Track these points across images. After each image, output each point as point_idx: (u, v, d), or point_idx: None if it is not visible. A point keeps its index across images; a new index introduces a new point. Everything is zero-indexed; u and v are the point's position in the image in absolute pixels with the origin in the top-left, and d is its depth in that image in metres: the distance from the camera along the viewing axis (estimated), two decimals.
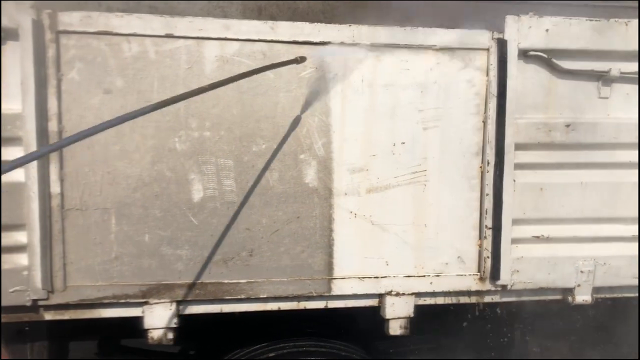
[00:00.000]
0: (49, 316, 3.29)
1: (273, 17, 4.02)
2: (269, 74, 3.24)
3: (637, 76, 3.55)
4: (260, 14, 4.06)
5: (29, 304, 3.17)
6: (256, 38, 3.24)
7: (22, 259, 3.13)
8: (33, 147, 3.03)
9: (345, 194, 3.42)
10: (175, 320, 3.33)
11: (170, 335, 3.34)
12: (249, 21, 3.24)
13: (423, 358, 4.31)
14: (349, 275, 3.49)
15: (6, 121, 3.02)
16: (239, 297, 3.38)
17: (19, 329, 4.12)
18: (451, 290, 3.61)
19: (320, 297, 3.51)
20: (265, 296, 3.41)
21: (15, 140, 3.04)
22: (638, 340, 3.83)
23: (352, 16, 4.21)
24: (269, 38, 3.25)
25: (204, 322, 3.52)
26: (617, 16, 3.54)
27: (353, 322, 4.03)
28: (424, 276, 3.56)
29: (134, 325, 3.37)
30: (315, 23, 3.30)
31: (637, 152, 3.59)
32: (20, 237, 3.11)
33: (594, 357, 4.55)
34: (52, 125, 3.10)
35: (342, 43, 3.31)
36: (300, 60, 3.16)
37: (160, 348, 3.69)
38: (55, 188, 3.12)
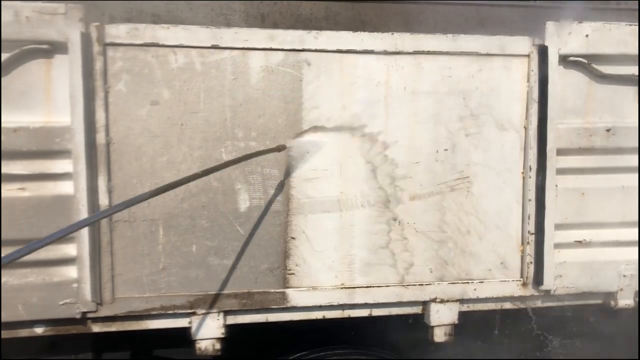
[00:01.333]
0: (96, 328, 3.24)
1: (276, 24, 4.00)
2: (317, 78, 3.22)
3: None
4: (263, 21, 4.04)
5: (78, 316, 3.11)
6: (300, 48, 3.21)
7: (71, 272, 3.08)
8: (82, 160, 2.99)
9: (389, 202, 3.38)
10: (222, 330, 3.28)
11: (218, 346, 3.29)
12: (293, 31, 3.20)
13: (424, 358, 4.18)
14: (393, 282, 3.44)
15: (55, 134, 2.98)
16: (285, 306, 3.33)
17: (52, 342, 4.08)
18: (494, 296, 3.55)
19: (365, 306, 3.46)
20: (311, 305, 3.37)
21: (64, 153, 3.00)
22: (638, 340, 3.77)
23: (355, 22, 4.20)
24: (313, 47, 3.22)
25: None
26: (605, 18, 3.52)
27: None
28: (468, 282, 3.51)
29: (167, 336, 3.34)
30: (358, 32, 3.27)
31: None
32: (69, 249, 3.06)
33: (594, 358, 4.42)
34: (100, 138, 3.06)
35: (385, 51, 3.28)
36: (281, 148, 3.16)
37: (194, 357, 3.65)
38: (103, 200, 3.08)
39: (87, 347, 4.03)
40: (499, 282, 3.54)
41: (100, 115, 3.05)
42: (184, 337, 3.28)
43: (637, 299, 3.66)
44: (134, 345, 4.11)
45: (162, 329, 3.26)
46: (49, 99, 3.01)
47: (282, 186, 3.26)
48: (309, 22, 4.11)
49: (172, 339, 3.46)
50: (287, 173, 3.24)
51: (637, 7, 4.26)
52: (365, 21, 4.23)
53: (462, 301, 3.53)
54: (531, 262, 3.51)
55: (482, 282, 3.51)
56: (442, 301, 3.49)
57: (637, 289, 3.63)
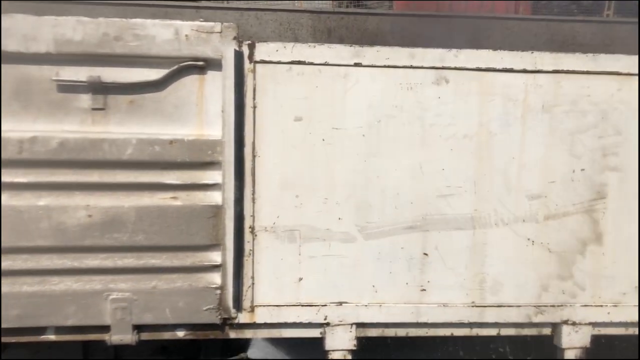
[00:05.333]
0: (232, 334, 3.19)
1: (342, 39, 3.91)
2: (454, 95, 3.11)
3: None
4: (329, 36, 3.96)
5: (219, 322, 3.09)
6: (440, 66, 3.10)
7: (215, 279, 3.06)
8: (231, 172, 2.98)
9: (523, 221, 3.22)
10: (354, 342, 3.18)
11: (349, 357, 3.19)
12: (433, 50, 3.09)
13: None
14: (524, 303, 3.26)
15: (207, 146, 2.99)
16: (417, 321, 3.21)
17: (163, 345, 4.11)
18: (629, 321, 3.31)
19: (495, 325, 3.29)
20: (441, 322, 3.23)
21: (214, 165, 3.00)
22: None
23: (421, 37, 4.05)
24: (452, 65, 3.10)
25: None
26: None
27: None
28: (601, 306, 3.27)
29: None
30: (498, 50, 3.14)
31: None
32: (215, 257, 3.06)
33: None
34: (248, 151, 3.04)
35: (524, 69, 3.14)
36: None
37: None
38: (248, 210, 3.06)
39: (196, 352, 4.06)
40: (633, 307, 3.28)
41: (248, 130, 3.03)
42: None
43: None
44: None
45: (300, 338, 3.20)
46: (201, 113, 3.02)
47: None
48: (375, 37, 4.01)
49: None
50: None
51: None
52: (431, 36, 4.10)
53: (594, 324, 3.30)
54: None
55: (616, 305, 3.27)
56: (574, 324, 3.27)
57: None
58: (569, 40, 4.08)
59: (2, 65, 2.87)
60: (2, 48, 2.82)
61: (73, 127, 2.91)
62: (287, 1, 4.04)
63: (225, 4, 3.96)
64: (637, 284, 3.27)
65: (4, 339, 3.02)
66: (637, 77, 3.16)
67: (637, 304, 3.28)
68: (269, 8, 3.82)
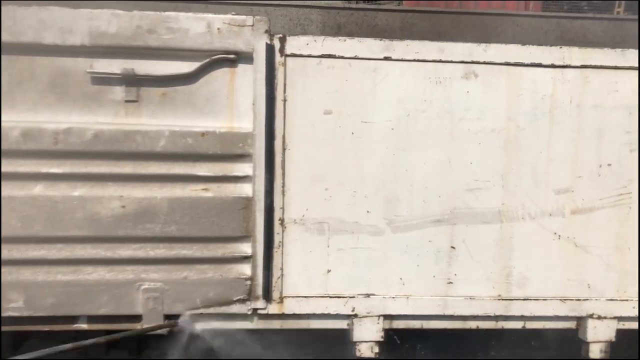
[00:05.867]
0: (260, 325, 3.21)
1: (351, 34, 3.88)
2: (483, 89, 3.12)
3: None
4: (339, 31, 3.94)
5: (249, 312, 3.12)
6: (469, 60, 3.11)
7: (246, 270, 3.08)
8: (261, 164, 3.00)
9: (550, 215, 3.22)
10: (381, 334, 3.20)
11: (376, 349, 3.20)
12: (462, 44, 3.10)
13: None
14: (549, 296, 3.27)
15: (239, 139, 3.00)
16: (444, 313, 3.22)
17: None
18: None
19: (520, 318, 3.30)
20: (468, 314, 3.24)
21: (245, 157, 3.01)
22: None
23: (431, 33, 4.04)
24: (481, 60, 3.10)
25: None
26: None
27: None
28: (627, 300, 3.27)
29: None
30: (527, 45, 3.15)
31: None
32: (245, 248, 3.08)
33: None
34: (278, 144, 3.06)
35: (552, 64, 3.14)
36: (172, 324, 3.07)
37: None
38: (278, 202, 3.08)
39: None
40: None
41: (278, 123, 3.04)
42: None
43: None
44: None
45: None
46: (232, 106, 3.04)
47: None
48: (385, 33, 3.99)
49: None
50: None
51: None
52: (441, 32, 4.08)
53: (620, 319, 3.30)
54: None
55: None
56: (599, 317, 3.27)
57: None
58: (579, 38, 4.07)
59: (39, 58, 2.90)
60: (39, 40, 2.84)
61: (107, 118, 2.94)
62: None
63: (234, 0, 3.96)
64: None
65: (39, 327, 3.05)
66: None
67: None
68: (278, 4, 3.82)
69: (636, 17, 4.11)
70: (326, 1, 4.62)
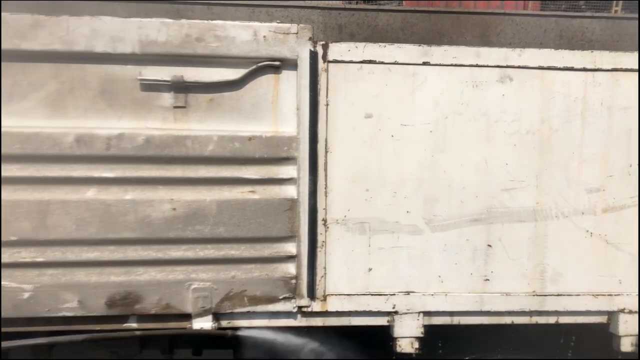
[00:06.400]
0: (303, 322, 3.30)
1: (353, 35, 3.96)
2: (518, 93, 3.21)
3: None
4: (340, 32, 4.01)
5: (294, 310, 3.22)
6: (504, 64, 3.20)
7: (290, 269, 3.17)
8: (305, 167, 3.09)
9: (582, 213, 3.32)
10: (421, 330, 3.30)
11: (416, 345, 3.30)
12: (498, 49, 3.20)
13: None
14: (582, 292, 3.37)
15: (284, 143, 3.09)
16: (481, 309, 3.32)
17: None
18: None
19: (554, 313, 3.40)
20: (503, 310, 3.35)
21: (290, 160, 3.11)
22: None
23: (432, 32, 4.12)
24: (516, 64, 3.20)
25: None
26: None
27: None
28: None
29: None
30: (560, 49, 3.24)
31: None
32: (290, 248, 3.17)
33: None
34: (321, 147, 3.14)
35: (584, 68, 3.24)
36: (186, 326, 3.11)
37: None
38: (321, 203, 3.17)
39: None
40: None
41: (321, 127, 3.14)
42: None
43: None
44: None
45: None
46: (276, 111, 3.13)
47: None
48: (385, 33, 4.06)
49: None
50: None
51: None
52: (441, 32, 4.16)
53: None
54: None
55: None
56: (630, 312, 3.37)
57: None
58: (577, 37, 4.15)
59: (89, 66, 2.98)
60: (91, 49, 2.92)
61: (156, 124, 3.02)
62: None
63: (236, 1, 4.02)
64: None
65: (90, 327, 3.13)
66: None
67: None
68: (279, 5, 3.89)
69: (635, 15, 4.20)
70: (327, 1, 4.68)
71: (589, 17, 4.29)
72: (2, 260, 2.96)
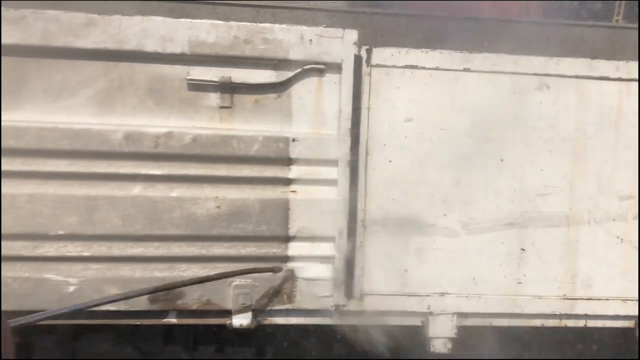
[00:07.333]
0: (339, 321, 3.35)
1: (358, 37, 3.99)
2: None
3: None
4: None
5: (332, 309, 3.27)
6: (542, 72, 3.26)
7: (330, 268, 3.24)
8: (346, 169, 3.14)
9: (614, 220, 3.39)
10: (455, 331, 3.35)
11: (450, 345, 3.36)
12: (536, 57, 3.24)
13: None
14: (611, 296, 3.44)
15: (325, 144, 3.10)
16: (512, 312, 3.38)
17: None
18: None
19: (583, 317, 3.46)
20: (534, 312, 3.40)
21: (331, 162, 3.15)
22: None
23: (433, 37, 4.16)
24: (553, 72, 3.26)
25: None
26: None
27: None
28: None
29: None
30: (596, 59, 3.30)
31: None
32: (330, 248, 3.21)
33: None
34: (361, 149, 3.19)
35: (619, 78, 3.30)
36: (276, 269, 3.12)
37: None
38: (360, 204, 3.21)
39: None
40: None
41: (362, 129, 3.18)
42: None
43: None
44: None
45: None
46: (319, 113, 3.17)
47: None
48: (390, 36, 4.10)
49: None
50: None
51: None
52: (445, 37, 4.23)
53: None
54: None
55: None
56: None
57: None
58: (579, 45, 4.20)
59: (138, 65, 3.02)
60: (141, 48, 2.96)
61: (202, 123, 3.06)
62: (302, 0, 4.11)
63: (242, 1, 4.06)
64: None
65: (132, 321, 3.17)
66: None
67: None
68: (285, 6, 3.93)
69: (634, 25, 4.26)
70: (331, 2, 4.70)
71: (590, 25, 4.35)
72: (49, 254, 3.00)
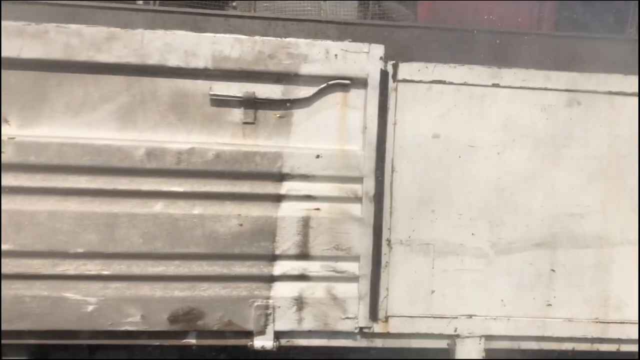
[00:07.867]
0: (362, 343, 3.23)
1: None
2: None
3: None
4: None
5: (356, 331, 3.16)
6: (573, 88, 3.17)
7: (353, 289, 3.12)
8: (371, 186, 3.05)
9: None
10: (483, 354, 3.23)
11: None
12: (567, 73, 3.16)
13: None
14: None
15: (350, 161, 3.02)
16: (542, 335, 3.26)
17: None
18: None
19: (616, 341, 3.33)
20: (565, 336, 3.28)
21: (356, 179, 3.06)
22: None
23: (445, 50, 4.07)
24: (584, 88, 3.16)
25: None
26: None
27: None
28: None
29: None
30: (629, 75, 3.20)
31: None
32: (354, 268, 3.11)
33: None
34: (387, 166, 3.10)
35: None
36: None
37: None
38: (386, 223, 3.12)
39: None
40: None
41: (388, 146, 3.10)
42: None
43: None
44: None
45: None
46: (343, 129, 3.09)
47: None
48: (400, 49, 4.02)
49: None
50: None
51: None
52: (455, 50, 4.14)
53: None
54: None
55: None
56: None
57: None
58: (589, 58, 4.09)
59: (160, 80, 2.96)
60: (164, 63, 2.90)
61: (225, 139, 2.99)
62: (313, 12, 4.01)
63: (253, 13, 4.01)
64: None
65: (151, 342, 3.09)
66: None
67: None
68: (296, 18, 3.87)
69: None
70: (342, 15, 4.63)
71: (602, 38, 4.26)
72: (68, 272, 2.92)
